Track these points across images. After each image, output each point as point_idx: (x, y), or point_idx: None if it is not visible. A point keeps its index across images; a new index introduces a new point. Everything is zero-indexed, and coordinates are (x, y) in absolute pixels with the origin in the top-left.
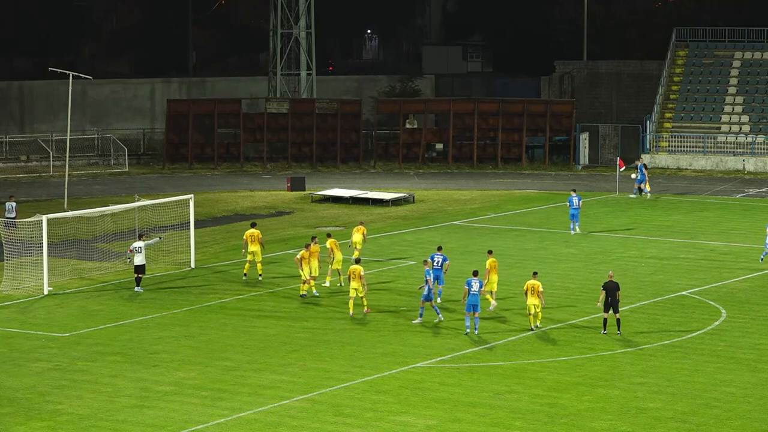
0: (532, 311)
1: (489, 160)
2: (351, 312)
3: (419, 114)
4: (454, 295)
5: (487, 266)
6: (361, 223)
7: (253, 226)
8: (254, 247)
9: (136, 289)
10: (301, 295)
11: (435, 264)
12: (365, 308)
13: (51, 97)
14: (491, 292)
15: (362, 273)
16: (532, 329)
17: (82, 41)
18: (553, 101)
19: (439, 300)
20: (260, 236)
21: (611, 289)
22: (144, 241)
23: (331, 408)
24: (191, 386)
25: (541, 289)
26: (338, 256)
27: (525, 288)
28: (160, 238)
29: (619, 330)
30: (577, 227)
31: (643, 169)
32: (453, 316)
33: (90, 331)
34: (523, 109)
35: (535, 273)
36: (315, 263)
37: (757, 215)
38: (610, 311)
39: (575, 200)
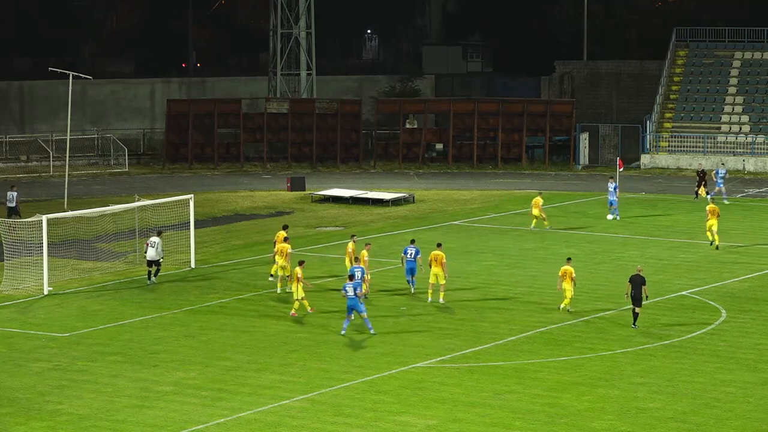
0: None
1: (489, 160)
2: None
3: (419, 114)
4: (455, 295)
5: (429, 257)
6: (540, 194)
7: (285, 234)
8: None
9: (149, 282)
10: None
11: (408, 256)
12: (309, 308)
13: (51, 97)
14: (440, 285)
15: (366, 258)
16: (559, 307)
17: (82, 41)
18: (553, 101)
19: (413, 290)
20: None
21: (636, 283)
22: (160, 239)
23: (331, 408)
24: (191, 386)
25: (573, 275)
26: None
27: (560, 273)
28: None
29: (635, 323)
30: (616, 215)
31: (615, 192)
32: (450, 315)
33: (90, 331)
34: (523, 109)
35: (569, 259)
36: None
37: (757, 215)
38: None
39: (611, 187)
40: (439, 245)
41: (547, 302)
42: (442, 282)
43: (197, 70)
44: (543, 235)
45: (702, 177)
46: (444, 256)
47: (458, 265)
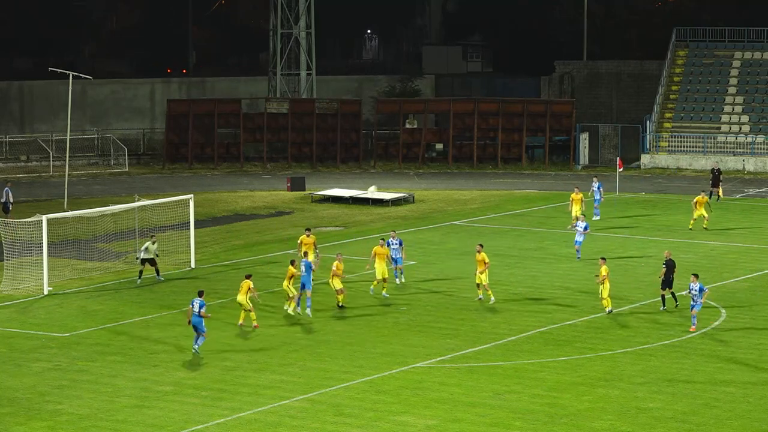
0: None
1: (489, 160)
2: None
3: (419, 114)
4: (455, 296)
5: (478, 259)
6: (577, 188)
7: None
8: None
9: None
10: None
11: (392, 246)
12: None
13: (51, 97)
14: (483, 284)
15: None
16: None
17: (82, 41)
18: (553, 101)
19: (401, 279)
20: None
21: (670, 267)
22: (152, 244)
23: (331, 408)
24: (191, 386)
25: (605, 274)
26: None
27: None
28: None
29: (676, 302)
30: (596, 215)
31: (599, 189)
32: (450, 315)
33: (90, 331)
34: (523, 109)
35: (603, 258)
36: (383, 265)
37: (757, 215)
38: (667, 288)
39: (594, 186)
40: (480, 246)
41: (546, 302)
42: (483, 281)
43: (197, 70)
44: (543, 235)
45: (717, 176)
46: (486, 256)
47: (458, 265)
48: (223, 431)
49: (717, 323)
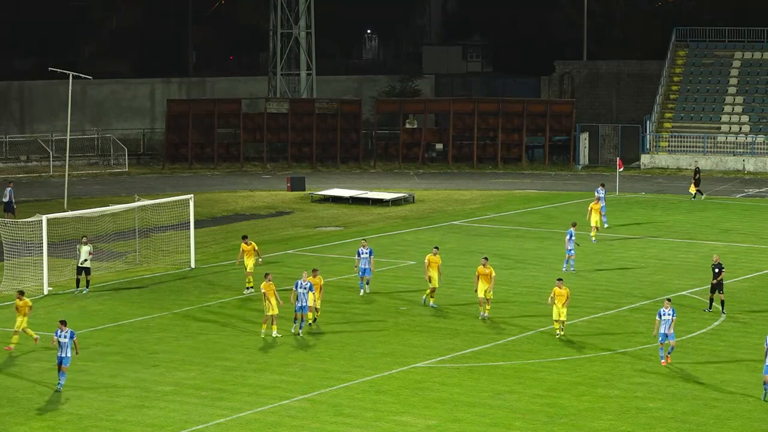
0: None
1: (489, 160)
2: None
3: (419, 114)
4: (455, 296)
5: (483, 272)
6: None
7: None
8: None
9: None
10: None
11: (361, 255)
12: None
13: (51, 97)
14: (487, 299)
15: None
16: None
17: (82, 41)
18: (553, 101)
19: (365, 290)
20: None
21: (718, 271)
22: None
23: (331, 408)
24: (191, 386)
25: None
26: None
27: (552, 294)
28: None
29: (723, 310)
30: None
31: (603, 197)
32: (450, 315)
33: (90, 331)
34: (522, 109)
35: (559, 279)
36: (435, 273)
37: (757, 215)
38: (717, 292)
39: (601, 193)
40: (486, 259)
41: (545, 302)
42: (490, 296)
43: (197, 70)
44: (543, 235)
45: (695, 175)
46: (492, 270)
47: (458, 265)
48: (223, 431)
49: (717, 323)
